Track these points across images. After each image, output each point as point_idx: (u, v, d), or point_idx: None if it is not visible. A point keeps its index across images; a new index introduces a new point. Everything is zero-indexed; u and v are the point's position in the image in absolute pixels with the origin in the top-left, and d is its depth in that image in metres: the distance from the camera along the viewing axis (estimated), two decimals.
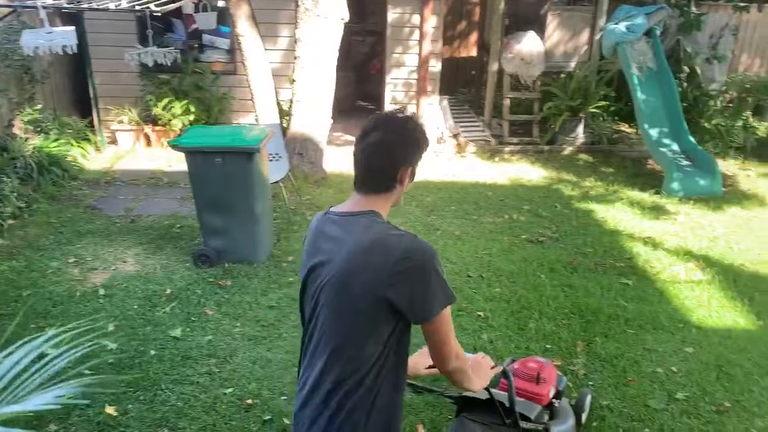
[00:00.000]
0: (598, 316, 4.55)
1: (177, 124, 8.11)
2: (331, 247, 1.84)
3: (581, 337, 4.30)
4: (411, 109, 8.54)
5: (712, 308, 4.76)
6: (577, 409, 3.33)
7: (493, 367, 2.22)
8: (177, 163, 7.28)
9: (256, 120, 7.18)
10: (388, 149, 1.84)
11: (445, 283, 1.77)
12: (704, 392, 3.80)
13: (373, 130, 1.85)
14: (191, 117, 8.18)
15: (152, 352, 3.96)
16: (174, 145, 4.92)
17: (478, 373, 2.11)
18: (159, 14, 6.32)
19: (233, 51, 8.46)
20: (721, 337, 4.38)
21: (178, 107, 8.16)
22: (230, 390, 3.65)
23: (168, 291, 4.71)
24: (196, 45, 8.72)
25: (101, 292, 4.66)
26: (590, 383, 3.82)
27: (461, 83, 11.40)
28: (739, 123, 9.03)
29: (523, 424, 2.67)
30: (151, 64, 6.51)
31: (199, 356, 3.95)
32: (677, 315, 4.64)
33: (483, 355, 2.24)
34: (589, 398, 3.49)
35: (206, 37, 8.67)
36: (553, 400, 3.12)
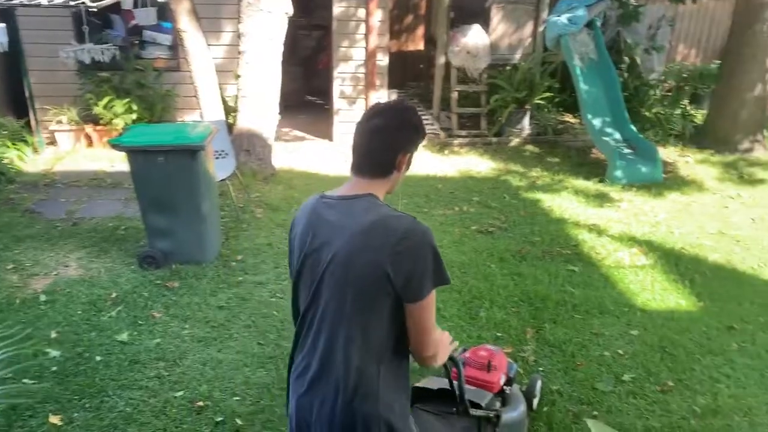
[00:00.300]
0: (546, 303, 4.64)
1: (119, 123, 7.88)
2: (330, 230, 1.87)
3: (531, 324, 4.38)
4: (360, 104, 8.53)
5: (655, 291, 4.91)
6: (528, 395, 3.39)
7: (451, 342, 2.24)
8: (120, 163, 7.08)
9: (201, 117, 7.05)
10: (389, 135, 1.91)
11: (442, 264, 1.83)
12: (649, 373, 3.91)
13: (374, 116, 1.93)
14: (134, 115, 7.96)
15: (98, 358, 3.84)
16: (115, 145, 4.78)
17: (442, 351, 2.13)
18: (95, 10, 6.13)
19: (175, 47, 8.27)
20: (664, 319, 4.52)
21: (119, 106, 7.93)
22: (180, 393, 3.58)
23: (113, 295, 4.58)
24: (137, 41, 8.49)
25: (42, 298, 4.50)
26: (540, 369, 3.89)
27: (410, 77, 11.44)
28: (678, 111, 9.34)
29: (475, 412, 2.70)
30: (88, 61, 6.33)
31: (148, 360, 3.86)
32: (622, 299, 4.77)
33: (441, 330, 2.25)
34: (539, 384, 3.55)
35: (147, 33, 8.45)
36: (505, 387, 3.16)
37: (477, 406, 2.75)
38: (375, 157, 1.93)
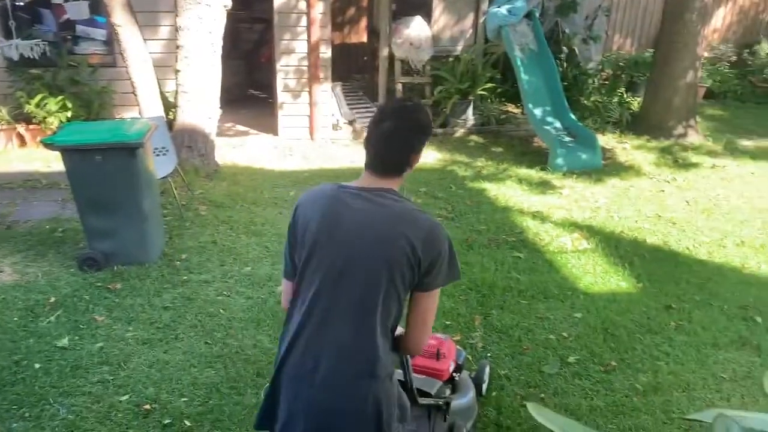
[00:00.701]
0: (493, 290, 4.72)
1: (53, 121, 7.60)
2: (362, 216, 1.95)
3: (479, 311, 4.45)
4: (304, 97, 8.46)
5: (597, 275, 5.05)
6: (477, 381, 3.44)
7: None
8: (56, 163, 6.83)
9: (140, 114, 6.86)
10: (403, 137, 2.02)
11: (457, 262, 2.02)
12: (593, 354, 4.03)
13: (385, 119, 2.02)
14: (69, 113, 7.68)
15: (37, 365, 3.70)
16: (48, 144, 4.60)
17: None
18: (22, 3, 5.87)
19: (111, 42, 8.01)
20: (606, 301, 4.66)
21: (53, 104, 7.64)
22: (126, 397, 3.49)
23: (52, 299, 4.42)
24: (69, 37, 8.18)
25: None
26: (488, 355, 3.96)
27: (354, 69, 11.42)
28: (615, 99, 9.61)
29: (423, 401, 2.72)
30: (16, 57, 6.06)
31: (90, 365, 3.75)
32: (566, 283, 4.89)
33: None
34: (487, 369, 3.61)
35: (80, 28, 8.15)
36: (454, 375, 3.21)
37: (426, 394, 2.78)
38: (390, 159, 2.04)
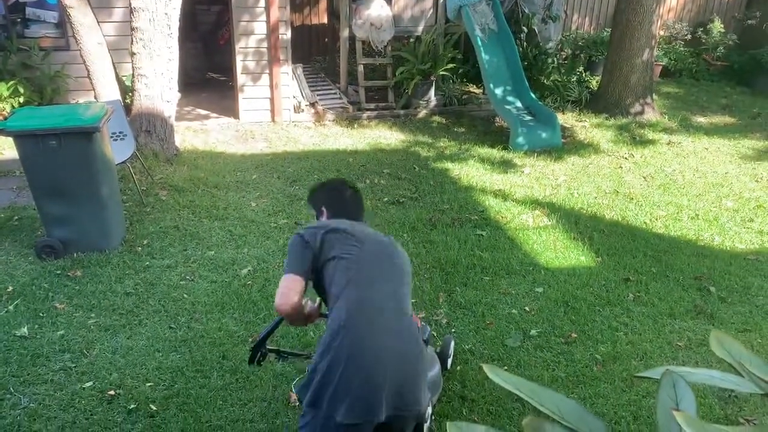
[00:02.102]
0: (457, 268, 4.78)
1: (5, 107, 7.36)
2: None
3: (443, 289, 4.51)
4: (265, 80, 8.36)
5: (557, 250, 5.16)
6: (442, 356, 3.51)
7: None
8: (9, 150, 6.65)
9: (96, 98, 6.69)
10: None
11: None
12: (554, 327, 4.13)
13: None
14: (21, 99, 7.45)
15: None
16: (0, 130, 4.48)
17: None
18: None
19: (63, 24, 7.78)
20: (566, 275, 4.77)
21: (4, 89, 7.39)
22: (89, 384, 3.45)
23: (9, 288, 4.33)
24: (19, 19, 7.92)
25: None
26: (453, 330, 4.03)
27: (315, 51, 11.31)
28: (574, 78, 9.72)
29: None
30: None
31: (51, 353, 3.69)
32: (527, 259, 4.98)
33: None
34: (452, 344, 3.67)
35: (30, 10, 7.89)
36: None
37: None
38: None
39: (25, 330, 3.87)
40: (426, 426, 3.09)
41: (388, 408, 2.16)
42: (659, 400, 1.15)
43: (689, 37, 11.59)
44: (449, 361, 3.61)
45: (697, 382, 1.21)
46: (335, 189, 2.77)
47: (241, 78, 8.34)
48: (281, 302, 2.28)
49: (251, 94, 8.41)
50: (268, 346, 2.71)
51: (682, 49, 11.47)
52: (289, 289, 2.29)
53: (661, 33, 11.03)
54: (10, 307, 4.11)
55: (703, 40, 11.47)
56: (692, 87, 10.88)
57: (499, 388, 3.42)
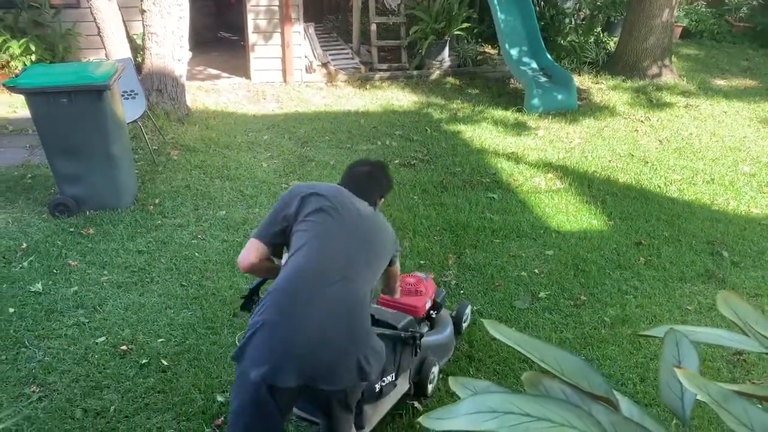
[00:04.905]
0: (467, 230, 4.77)
1: (17, 65, 7.36)
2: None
3: (452, 251, 4.51)
4: (276, 39, 8.26)
5: (569, 213, 5.12)
6: (457, 319, 3.51)
7: None
8: (22, 108, 6.65)
9: (107, 57, 6.66)
10: (375, 184, 2.65)
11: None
12: (563, 289, 4.12)
13: (369, 169, 2.66)
14: (33, 57, 7.44)
15: (11, 310, 3.70)
16: (11, 87, 4.46)
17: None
18: None
19: None
20: (577, 238, 4.74)
21: (16, 47, 7.39)
22: (102, 339, 3.51)
23: (24, 245, 4.38)
24: None
25: None
26: (461, 292, 4.03)
27: (327, 10, 11.15)
28: (592, 39, 9.53)
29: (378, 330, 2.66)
30: None
31: (65, 308, 3.75)
32: (538, 222, 4.96)
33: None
34: (468, 309, 3.66)
35: None
36: (432, 312, 3.31)
37: (391, 327, 2.82)
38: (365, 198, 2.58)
39: (39, 286, 3.93)
40: (431, 386, 3.13)
41: (300, 378, 2.15)
42: (663, 358, 1.15)
43: None
44: (465, 324, 3.60)
45: (700, 340, 1.20)
46: (354, 163, 2.71)
47: (252, 37, 8.26)
48: (239, 260, 2.42)
49: (262, 54, 8.33)
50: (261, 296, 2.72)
51: (703, 9, 11.18)
52: (249, 251, 2.39)
53: None
54: (25, 264, 4.16)
55: (727, 1, 11.16)
56: (713, 49, 10.64)
57: (506, 349, 3.44)
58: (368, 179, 2.61)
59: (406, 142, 6.56)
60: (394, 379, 2.83)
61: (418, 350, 2.95)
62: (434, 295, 3.35)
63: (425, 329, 3.26)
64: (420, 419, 0.97)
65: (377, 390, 2.72)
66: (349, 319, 2.25)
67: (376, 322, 2.76)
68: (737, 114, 7.62)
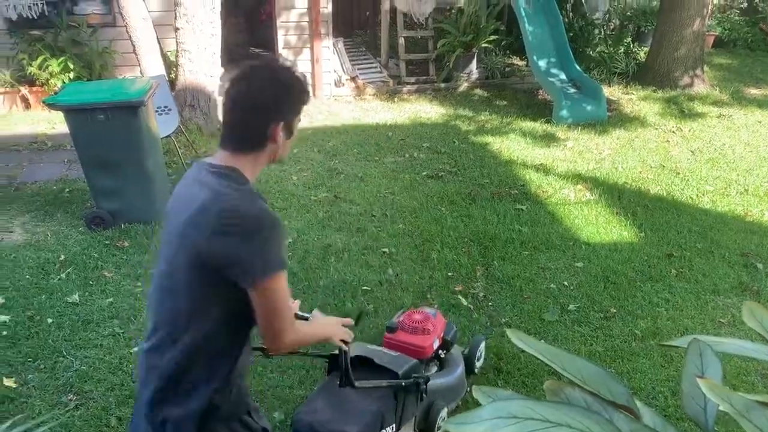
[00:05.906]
0: (495, 242, 4.76)
1: (56, 83, 7.60)
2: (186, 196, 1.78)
3: (480, 262, 4.50)
4: (306, 54, 8.38)
5: (599, 225, 5.08)
6: (469, 358, 3.26)
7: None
8: (61, 124, 6.86)
9: (141, 73, 6.84)
10: (255, 103, 1.67)
11: (269, 251, 1.67)
12: (593, 302, 4.09)
13: (239, 80, 1.68)
14: (71, 74, 7.68)
15: (50, 320, 3.81)
16: (51, 104, 4.63)
17: (322, 328, 2.06)
18: None
19: (110, 2, 7.96)
20: (607, 250, 4.70)
21: (55, 65, 7.63)
22: (136, 349, 3.59)
23: (62, 257, 4.51)
24: None
25: None
26: (490, 303, 4.03)
27: (356, 25, 11.27)
28: (622, 50, 9.47)
29: (362, 384, 2.43)
30: (15, 17, 6.02)
31: (101, 319, 3.85)
32: (568, 234, 4.93)
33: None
34: (482, 345, 3.39)
35: None
36: (440, 351, 3.07)
37: (393, 374, 2.60)
38: (238, 130, 1.72)
39: (76, 297, 4.04)
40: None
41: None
42: (685, 368, 1.15)
43: (745, 5, 11.13)
44: (478, 363, 3.34)
45: (725, 351, 1.20)
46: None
47: (282, 53, 8.39)
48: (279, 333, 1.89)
49: None
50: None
51: (737, 18, 11.02)
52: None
53: (715, 1, 10.60)
54: (63, 275, 4.29)
55: (761, 9, 10.99)
56: (747, 58, 10.47)
57: (534, 361, 3.42)
58: (237, 110, 1.72)
59: (434, 154, 6.59)
60: (395, 430, 2.61)
61: (424, 395, 2.73)
62: (443, 332, 3.07)
63: (433, 370, 3.03)
64: (442, 423, 0.99)
65: None
66: (159, 372, 1.82)
67: (375, 367, 2.59)
68: None
